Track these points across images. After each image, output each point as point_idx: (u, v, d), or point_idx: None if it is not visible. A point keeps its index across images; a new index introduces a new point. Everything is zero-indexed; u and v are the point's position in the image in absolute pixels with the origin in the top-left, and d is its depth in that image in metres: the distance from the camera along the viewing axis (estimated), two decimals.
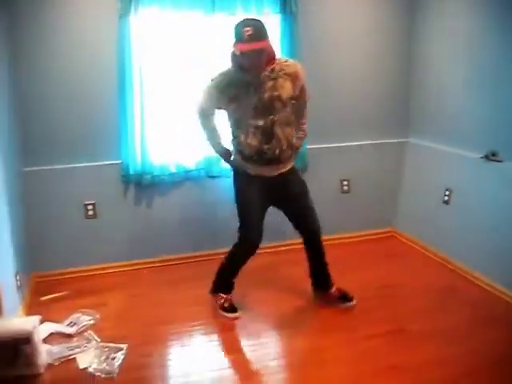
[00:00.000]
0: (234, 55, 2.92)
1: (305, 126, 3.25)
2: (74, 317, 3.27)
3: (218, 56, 3.78)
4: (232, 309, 3.36)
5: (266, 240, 3.26)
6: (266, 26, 2.88)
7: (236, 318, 3.32)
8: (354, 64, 4.30)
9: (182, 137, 3.94)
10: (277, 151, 3.05)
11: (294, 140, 3.15)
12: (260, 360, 2.94)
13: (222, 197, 4.10)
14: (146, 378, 2.75)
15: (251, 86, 2.95)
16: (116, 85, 3.71)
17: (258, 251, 3.26)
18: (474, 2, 3.70)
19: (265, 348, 3.05)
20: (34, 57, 3.54)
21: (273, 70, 2.96)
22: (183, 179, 4.03)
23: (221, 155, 3.34)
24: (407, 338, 3.06)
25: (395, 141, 4.55)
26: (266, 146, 3.04)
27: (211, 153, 3.94)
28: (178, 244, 4.14)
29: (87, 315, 3.29)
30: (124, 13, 3.58)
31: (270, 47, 2.94)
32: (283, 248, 4.24)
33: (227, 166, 3.46)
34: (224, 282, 3.44)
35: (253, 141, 3.03)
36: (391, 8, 4.29)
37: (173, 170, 3.97)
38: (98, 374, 2.72)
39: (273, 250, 4.17)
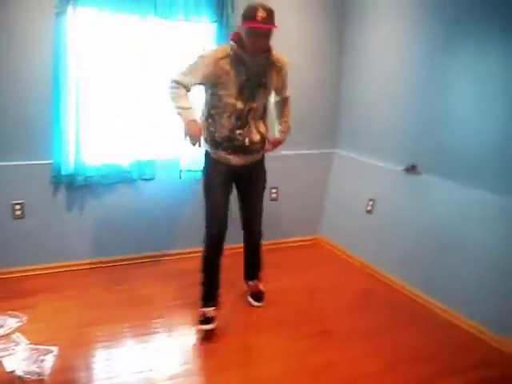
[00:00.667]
0: (236, 34, 3.01)
1: (287, 123, 3.40)
2: (0, 319, 3.17)
3: (153, 58, 3.88)
4: (207, 321, 3.21)
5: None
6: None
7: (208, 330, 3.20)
8: None
9: (116, 137, 3.93)
10: (246, 140, 3.13)
11: (275, 133, 3.37)
12: (188, 360, 3.00)
13: (156, 198, 4.17)
14: (77, 379, 2.72)
15: (245, 64, 3.00)
16: (50, 82, 3.64)
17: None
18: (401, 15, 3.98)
19: (194, 348, 3.11)
20: None
21: (267, 57, 3.06)
22: (116, 181, 4.01)
23: (189, 130, 3.01)
24: (333, 339, 3.22)
25: (323, 151, 4.76)
26: (237, 131, 3.11)
27: (144, 155, 4.02)
28: (110, 246, 4.11)
29: (14, 317, 3.20)
30: (61, 11, 3.54)
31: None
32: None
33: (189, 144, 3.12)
34: (204, 291, 3.27)
35: (226, 122, 3.08)
36: (323, 21, 4.52)
37: (106, 171, 3.94)
38: (28, 376, 2.65)
39: None
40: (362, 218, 4.37)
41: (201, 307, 3.24)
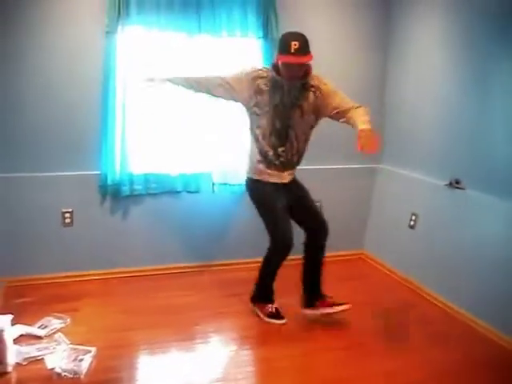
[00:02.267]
0: (274, 63, 3.14)
1: (361, 107, 3.26)
2: (45, 320, 3.33)
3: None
4: (278, 315, 3.49)
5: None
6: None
7: (283, 324, 3.46)
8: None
9: (162, 150, 4.07)
10: (289, 155, 3.24)
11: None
12: (227, 366, 3.07)
13: (199, 211, 4.28)
14: (113, 380, 2.82)
15: (282, 88, 3.11)
16: (99, 97, 3.83)
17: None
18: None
19: (227, 357, 3.17)
20: (19, 67, 3.67)
21: (306, 82, 3.14)
22: (161, 192, 4.14)
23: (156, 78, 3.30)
24: (366, 352, 3.19)
25: (366, 166, 4.73)
26: (280, 149, 3.22)
27: (191, 169, 4.14)
28: (154, 255, 4.24)
29: (58, 319, 3.36)
30: (111, 30, 3.73)
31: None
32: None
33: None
34: (265, 289, 3.53)
35: (269, 141, 3.21)
36: (368, 32, 4.53)
37: (151, 182, 4.09)
38: (65, 374, 2.78)
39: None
40: (405, 233, 4.31)
41: (268, 302, 3.52)
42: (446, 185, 3.83)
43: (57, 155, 3.87)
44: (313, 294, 3.55)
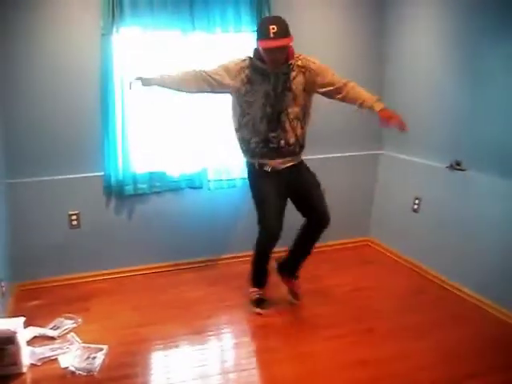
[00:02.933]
0: (256, 49, 3.13)
1: (351, 83, 3.28)
2: (57, 321, 3.40)
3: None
4: (258, 303, 3.55)
5: None
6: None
7: (258, 314, 3.50)
8: None
9: (163, 148, 4.10)
10: (282, 142, 3.20)
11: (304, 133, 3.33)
12: (239, 357, 3.13)
13: (203, 207, 4.30)
14: (127, 375, 2.87)
15: (268, 75, 3.12)
16: (99, 99, 3.89)
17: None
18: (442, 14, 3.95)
19: (238, 348, 3.22)
20: (19, 71, 3.72)
21: (290, 64, 3.13)
22: (164, 190, 4.19)
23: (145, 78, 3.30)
24: (374, 336, 3.23)
25: (368, 153, 4.76)
26: (271, 134, 3.20)
27: (192, 165, 4.18)
28: (160, 252, 4.29)
29: (70, 319, 3.43)
30: (106, 32, 3.77)
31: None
32: None
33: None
34: (254, 276, 3.59)
35: (260, 126, 3.19)
36: (364, 22, 4.52)
37: (154, 181, 4.13)
38: (79, 372, 2.84)
39: None
40: (409, 217, 4.33)
41: (254, 287, 3.57)
42: (447, 167, 3.84)
43: (60, 158, 3.92)
44: (289, 267, 3.63)
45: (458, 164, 3.77)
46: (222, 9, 4.02)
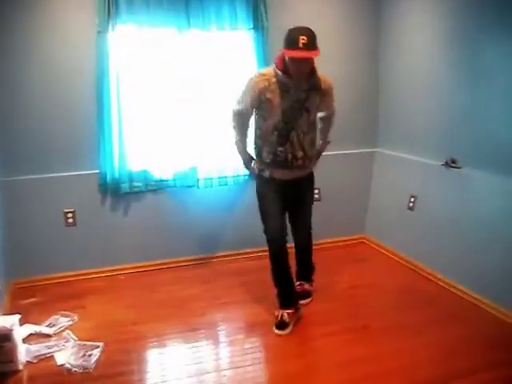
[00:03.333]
0: (279, 58, 3.05)
1: (325, 142, 3.52)
2: (52, 318, 3.41)
3: (192, 70, 4.03)
4: (280, 326, 3.27)
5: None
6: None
7: (279, 335, 3.26)
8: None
9: (158, 146, 4.11)
10: (289, 156, 3.18)
11: (317, 147, 3.40)
12: (234, 354, 3.13)
13: (198, 205, 4.31)
14: (122, 372, 2.87)
15: (289, 91, 3.07)
16: (94, 97, 3.88)
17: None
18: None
19: (234, 345, 3.22)
20: (15, 68, 3.72)
21: (311, 81, 3.10)
22: (159, 188, 4.19)
23: (244, 161, 3.41)
24: (370, 333, 3.24)
25: (363, 151, 4.77)
26: (279, 148, 3.18)
27: (184, 164, 4.17)
28: (156, 250, 4.29)
29: (66, 317, 3.43)
30: (102, 30, 3.77)
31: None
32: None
33: (247, 171, 3.56)
34: (278, 294, 3.38)
35: (271, 138, 3.18)
36: (360, 17, 4.54)
37: (149, 179, 4.13)
38: (75, 369, 2.85)
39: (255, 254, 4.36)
40: (404, 214, 4.34)
41: (281, 307, 3.35)
42: (442, 165, 3.86)
43: (55, 156, 3.92)
44: (299, 274, 3.67)
45: (454, 162, 3.79)
46: (217, 6, 4.02)
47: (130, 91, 3.96)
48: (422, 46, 4.09)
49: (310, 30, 2.93)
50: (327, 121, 3.46)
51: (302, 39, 2.84)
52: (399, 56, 4.40)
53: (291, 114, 3.11)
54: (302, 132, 3.18)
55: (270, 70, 3.13)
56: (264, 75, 3.11)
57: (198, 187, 4.25)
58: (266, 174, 3.30)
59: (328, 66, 4.41)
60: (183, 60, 4.02)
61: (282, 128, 3.14)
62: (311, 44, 2.88)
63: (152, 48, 3.97)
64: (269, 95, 3.07)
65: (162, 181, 4.18)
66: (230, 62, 4.16)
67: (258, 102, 3.11)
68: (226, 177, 4.31)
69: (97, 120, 3.91)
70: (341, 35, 4.54)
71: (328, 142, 3.54)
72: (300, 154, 3.21)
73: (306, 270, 3.69)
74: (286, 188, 3.29)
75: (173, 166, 4.18)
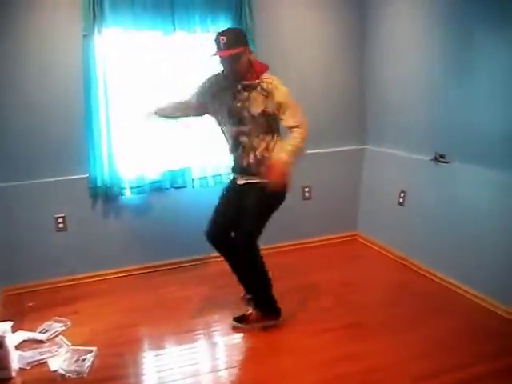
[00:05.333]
0: None
1: (296, 131, 3.09)
2: (45, 324, 3.39)
3: (178, 71, 4.04)
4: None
5: None
6: (243, 36, 3.02)
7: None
8: (312, 76, 4.54)
9: (147, 149, 4.10)
10: (244, 162, 3.15)
11: (270, 153, 3.12)
12: (228, 354, 3.14)
13: (189, 206, 4.30)
14: (117, 376, 2.86)
15: (229, 91, 3.10)
16: (82, 101, 3.87)
17: None
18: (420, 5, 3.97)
19: (228, 346, 3.23)
20: (1, 74, 3.70)
21: (252, 83, 3.05)
22: (150, 190, 4.18)
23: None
24: (364, 330, 3.25)
25: (353, 148, 4.79)
26: (233, 154, 3.21)
27: (174, 165, 4.17)
28: (147, 253, 4.28)
29: (59, 322, 3.41)
30: (88, 33, 3.76)
31: (247, 58, 3.01)
32: None
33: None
34: None
35: (228, 144, 3.23)
36: (343, 14, 4.55)
37: (140, 181, 4.12)
38: (69, 375, 2.83)
39: None
40: (395, 210, 4.37)
41: None
42: (431, 160, 3.88)
43: (44, 162, 3.90)
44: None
45: (442, 157, 3.81)
46: (201, 9, 4.02)
47: (117, 94, 3.95)
48: (408, 44, 4.11)
49: (233, 29, 3.05)
50: (290, 134, 3.10)
51: (222, 39, 2.90)
52: (386, 54, 4.42)
53: (235, 112, 3.09)
54: (255, 136, 3.11)
55: (218, 72, 3.19)
56: (217, 74, 3.19)
57: (193, 187, 4.27)
58: (230, 176, 3.38)
59: (315, 65, 4.52)
60: (169, 62, 4.02)
61: (233, 133, 3.14)
62: (228, 44, 2.88)
63: (138, 50, 3.96)
64: (216, 90, 3.14)
65: (153, 183, 4.17)
66: (215, 64, 4.14)
67: (208, 94, 3.18)
68: (220, 175, 4.31)
69: (85, 124, 3.90)
70: (327, 35, 4.56)
71: (299, 138, 3.09)
72: (251, 158, 3.13)
73: (252, 292, 3.41)
74: (241, 192, 3.22)
75: (164, 168, 4.17)
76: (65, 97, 3.87)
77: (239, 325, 3.34)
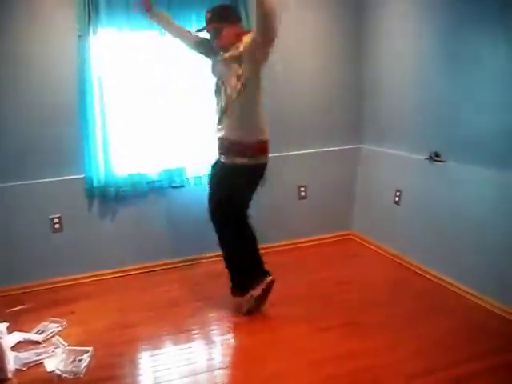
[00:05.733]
0: None
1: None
2: (41, 325, 3.38)
3: (174, 72, 4.04)
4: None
5: None
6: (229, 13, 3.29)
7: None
8: (309, 76, 4.55)
9: (143, 149, 4.11)
10: (221, 133, 3.30)
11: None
12: (225, 354, 3.15)
13: (186, 206, 4.31)
14: (113, 376, 2.87)
15: (216, 58, 3.33)
16: (77, 101, 3.87)
17: None
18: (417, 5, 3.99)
19: (225, 345, 3.23)
20: None
21: (233, 53, 3.16)
22: (146, 190, 4.18)
23: None
24: (360, 329, 3.25)
25: (348, 147, 4.80)
26: (218, 126, 3.34)
27: (172, 163, 4.19)
28: (144, 253, 4.29)
29: (55, 323, 3.41)
30: (83, 34, 3.76)
31: (233, 32, 3.20)
32: None
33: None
34: None
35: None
36: (340, 15, 4.56)
37: (136, 181, 4.12)
38: (65, 375, 2.83)
39: None
40: (391, 209, 4.38)
41: None
42: (426, 159, 3.89)
43: (40, 162, 3.89)
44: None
45: (437, 155, 3.82)
46: (197, 7, 3.99)
47: (112, 94, 3.94)
48: (405, 43, 4.12)
49: (219, 6, 3.31)
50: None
51: (207, 15, 3.27)
52: (382, 54, 4.44)
53: (217, 83, 3.31)
54: (231, 109, 3.22)
55: None
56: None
57: (189, 184, 4.27)
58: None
59: (312, 65, 4.52)
60: (165, 62, 4.02)
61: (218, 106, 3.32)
62: (211, 19, 3.23)
63: (133, 51, 3.96)
64: (208, 50, 3.43)
65: (149, 183, 4.17)
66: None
67: (202, 47, 3.48)
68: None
69: (80, 124, 3.89)
70: (324, 35, 4.56)
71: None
72: (225, 124, 3.28)
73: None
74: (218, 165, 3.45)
75: (159, 168, 4.18)
76: (60, 97, 3.86)
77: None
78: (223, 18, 3.22)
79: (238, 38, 3.18)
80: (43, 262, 4.00)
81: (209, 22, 3.25)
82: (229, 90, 3.19)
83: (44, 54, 3.79)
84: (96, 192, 4.03)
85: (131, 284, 4.09)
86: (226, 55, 3.19)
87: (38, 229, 3.97)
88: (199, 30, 3.44)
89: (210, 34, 3.30)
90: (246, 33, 3.21)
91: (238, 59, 3.13)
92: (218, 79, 3.31)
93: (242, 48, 3.11)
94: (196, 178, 4.28)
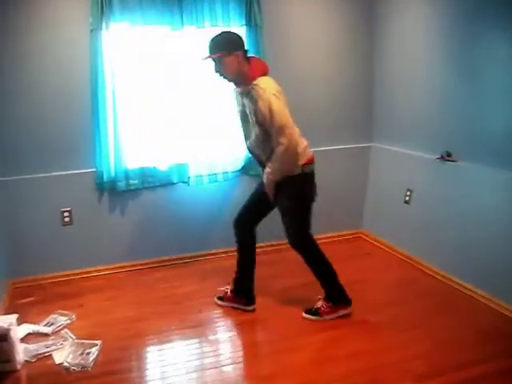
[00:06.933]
0: None
1: (277, 150, 3.07)
2: (51, 317, 3.41)
3: (186, 67, 4.02)
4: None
5: None
6: (231, 41, 3.04)
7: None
8: (319, 74, 4.53)
9: (154, 143, 4.11)
10: (262, 157, 3.25)
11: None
12: (232, 350, 3.16)
13: (195, 201, 4.31)
14: (121, 370, 2.88)
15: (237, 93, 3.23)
16: (89, 95, 3.87)
17: None
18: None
19: (232, 341, 3.25)
20: (8, 68, 3.70)
21: (244, 90, 3.09)
22: (156, 185, 4.19)
23: None
24: (369, 328, 3.25)
25: (359, 146, 4.77)
26: (253, 152, 3.32)
27: (182, 159, 4.19)
28: (153, 248, 4.30)
29: (64, 316, 3.43)
30: (96, 28, 3.76)
31: (234, 63, 3.02)
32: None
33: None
34: None
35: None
36: (350, 13, 4.52)
37: (146, 176, 4.13)
38: (74, 368, 2.85)
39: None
40: (401, 208, 4.35)
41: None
42: (438, 158, 3.87)
43: (51, 155, 3.90)
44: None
45: (449, 155, 3.80)
46: (210, 2, 4.00)
47: (124, 89, 3.94)
48: (416, 42, 4.10)
49: (218, 35, 3.06)
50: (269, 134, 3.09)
51: (208, 45, 3.06)
52: (393, 52, 4.40)
53: (242, 116, 3.22)
54: (258, 143, 3.19)
55: None
56: None
57: (189, 184, 4.25)
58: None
59: (323, 62, 4.50)
60: (177, 57, 4.01)
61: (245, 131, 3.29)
62: (211, 47, 3.04)
63: (146, 45, 3.96)
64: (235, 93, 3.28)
65: (158, 177, 4.17)
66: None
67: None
68: (227, 172, 4.34)
69: (92, 118, 3.90)
70: (336, 32, 4.52)
71: (277, 158, 3.09)
72: (264, 158, 3.25)
73: (321, 284, 3.47)
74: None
75: (169, 162, 4.18)
76: (72, 91, 3.87)
77: (312, 317, 3.37)
78: (222, 47, 3.01)
79: (246, 70, 3.06)
80: (53, 255, 4.02)
81: (209, 51, 3.05)
82: (254, 130, 3.15)
83: (56, 48, 3.79)
84: (106, 186, 4.04)
85: (140, 278, 4.10)
86: (239, 90, 3.15)
87: (49, 222, 3.99)
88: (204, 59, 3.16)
89: (214, 64, 3.09)
90: (249, 59, 3.11)
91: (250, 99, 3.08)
92: (242, 107, 3.20)
93: (254, 94, 3.01)
94: (199, 176, 4.27)
